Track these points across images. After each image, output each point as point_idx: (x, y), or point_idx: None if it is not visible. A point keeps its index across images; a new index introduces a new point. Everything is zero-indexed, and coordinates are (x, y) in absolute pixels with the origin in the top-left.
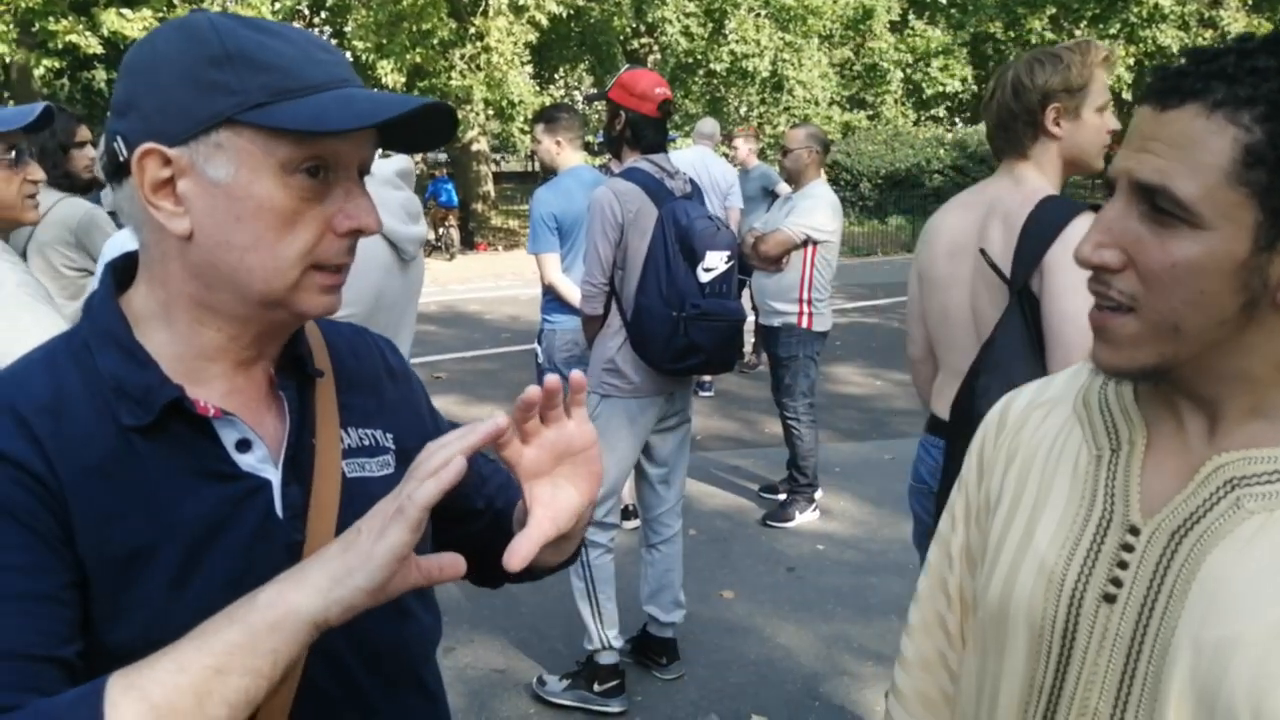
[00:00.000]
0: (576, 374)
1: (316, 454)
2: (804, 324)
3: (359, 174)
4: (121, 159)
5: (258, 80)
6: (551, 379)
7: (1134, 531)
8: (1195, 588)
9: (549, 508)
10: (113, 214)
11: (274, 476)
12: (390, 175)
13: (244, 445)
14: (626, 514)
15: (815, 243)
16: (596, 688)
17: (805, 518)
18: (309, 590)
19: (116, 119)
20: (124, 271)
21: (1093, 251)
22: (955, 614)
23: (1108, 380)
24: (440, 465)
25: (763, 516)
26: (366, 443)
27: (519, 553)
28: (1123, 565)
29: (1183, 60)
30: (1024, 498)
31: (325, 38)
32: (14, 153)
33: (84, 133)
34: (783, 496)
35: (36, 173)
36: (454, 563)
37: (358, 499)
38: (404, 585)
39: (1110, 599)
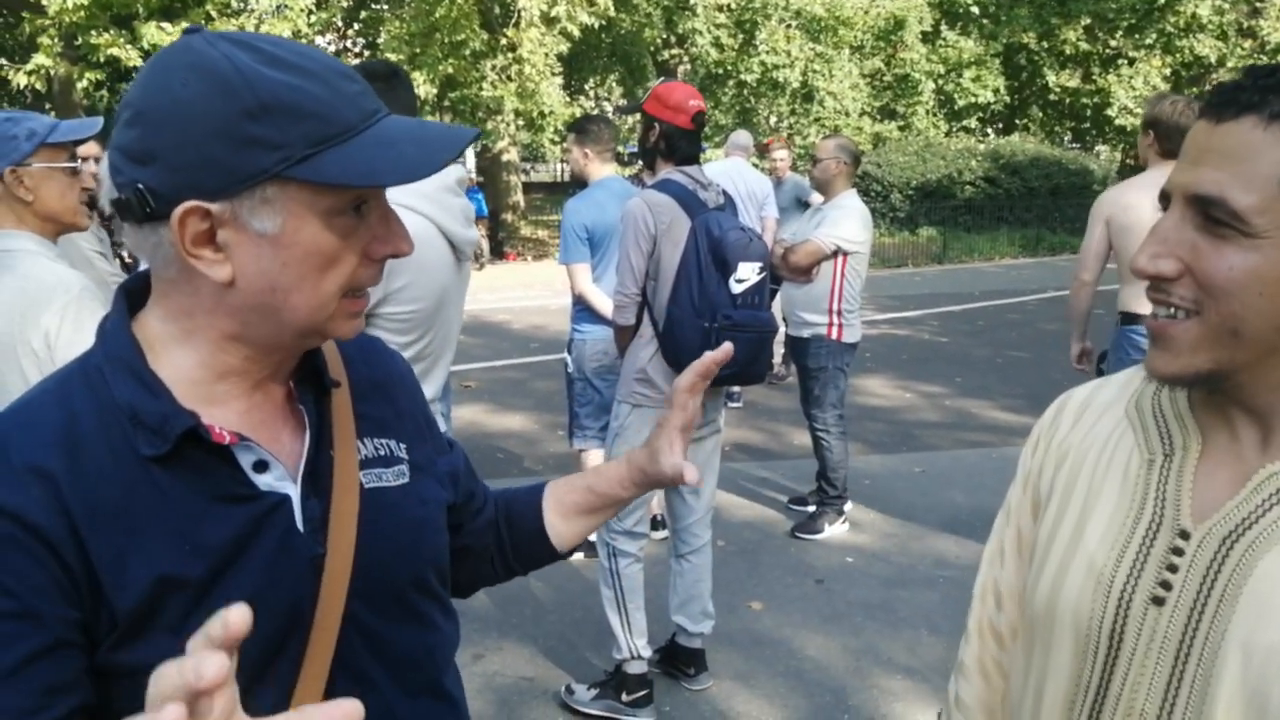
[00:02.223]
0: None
1: (335, 466)
2: (833, 335)
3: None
4: (148, 209)
5: (298, 131)
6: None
7: (1184, 536)
8: (1246, 593)
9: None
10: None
11: (293, 491)
12: (451, 183)
13: (261, 466)
14: (655, 524)
15: (845, 254)
16: (625, 698)
17: (834, 530)
18: None
19: (134, 166)
20: (136, 294)
21: (1149, 262)
22: (1007, 614)
23: (1161, 387)
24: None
25: (791, 528)
26: (382, 453)
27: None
28: (1172, 569)
29: (1239, 76)
30: (1074, 498)
31: (358, 49)
32: (77, 161)
33: (92, 147)
34: (811, 508)
35: (90, 181)
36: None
37: (376, 509)
38: None
39: (1159, 601)
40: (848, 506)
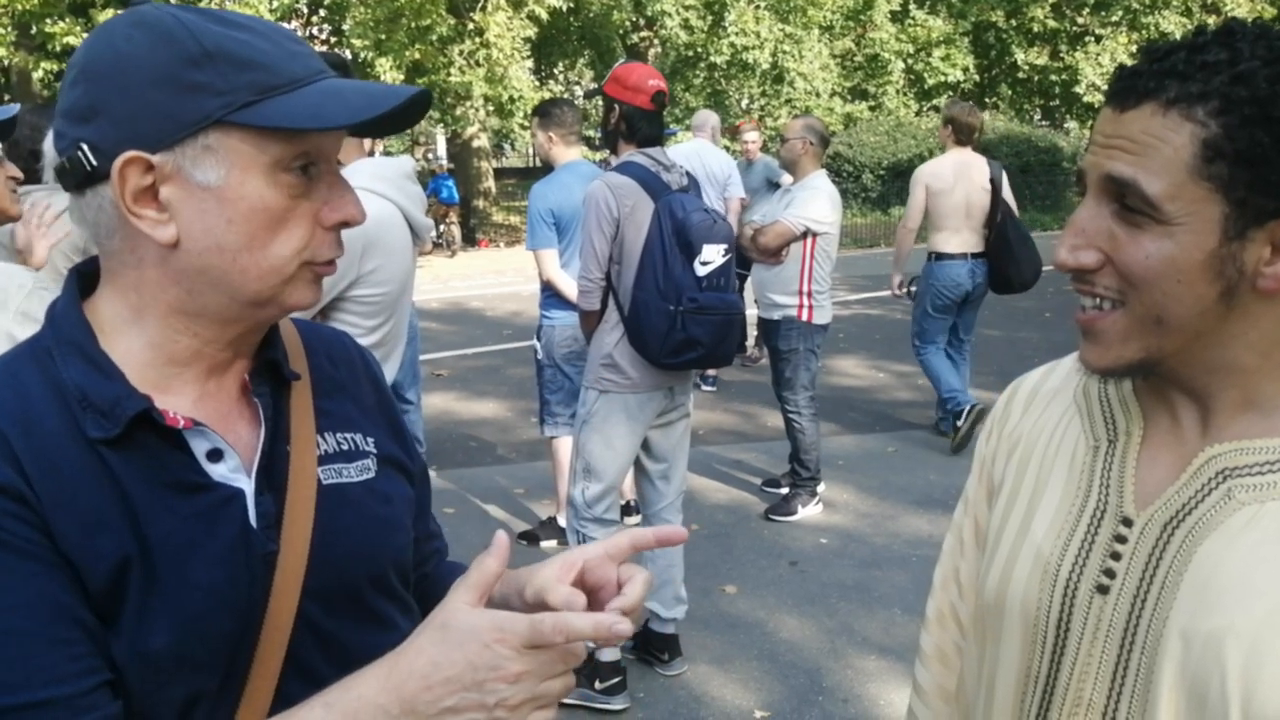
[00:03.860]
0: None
1: (291, 461)
2: (804, 316)
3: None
4: (89, 168)
5: (243, 78)
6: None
7: (1127, 523)
8: (1187, 579)
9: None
10: None
11: (247, 486)
12: (409, 170)
13: (215, 455)
14: (627, 510)
15: (814, 235)
16: (598, 685)
17: (808, 511)
18: None
19: (76, 125)
20: (90, 277)
21: (1070, 254)
22: (967, 603)
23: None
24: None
25: (765, 510)
26: (345, 447)
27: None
28: (1116, 556)
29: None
30: (1023, 487)
31: (324, 35)
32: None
33: None
34: (785, 490)
35: (14, 170)
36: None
37: (335, 506)
38: None
39: (1104, 590)
40: (821, 488)
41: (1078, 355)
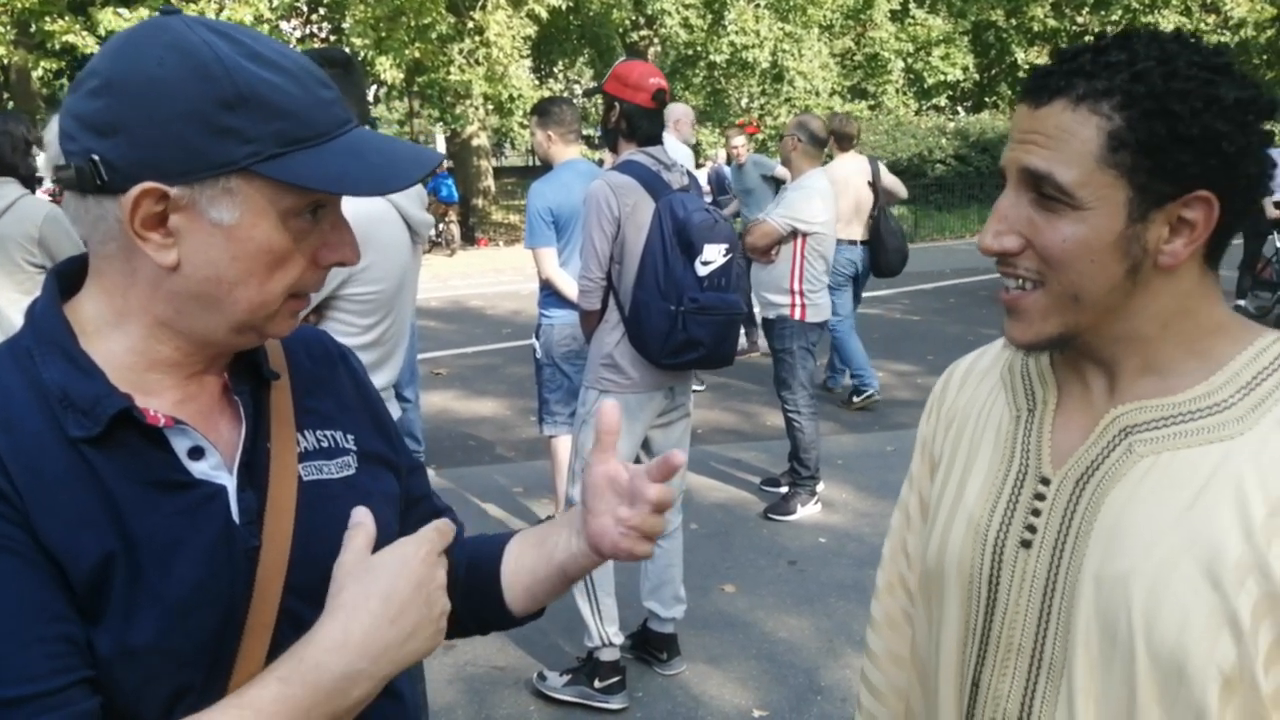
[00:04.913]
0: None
1: (272, 458)
2: (796, 315)
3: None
4: (99, 181)
5: (271, 127)
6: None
7: (1045, 482)
8: (1097, 528)
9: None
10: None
11: (229, 483)
12: None
13: (197, 453)
14: None
15: (804, 234)
16: (597, 684)
17: (807, 510)
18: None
19: (93, 136)
20: (69, 277)
21: (994, 240)
22: (915, 572)
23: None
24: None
25: (764, 509)
26: (325, 444)
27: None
28: (1036, 513)
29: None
30: (958, 459)
31: (324, 34)
32: None
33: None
34: (784, 489)
35: None
36: None
37: (315, 502)
38: None
39: (1027, 544)
40: (820, 487)
41: (1004, 334)
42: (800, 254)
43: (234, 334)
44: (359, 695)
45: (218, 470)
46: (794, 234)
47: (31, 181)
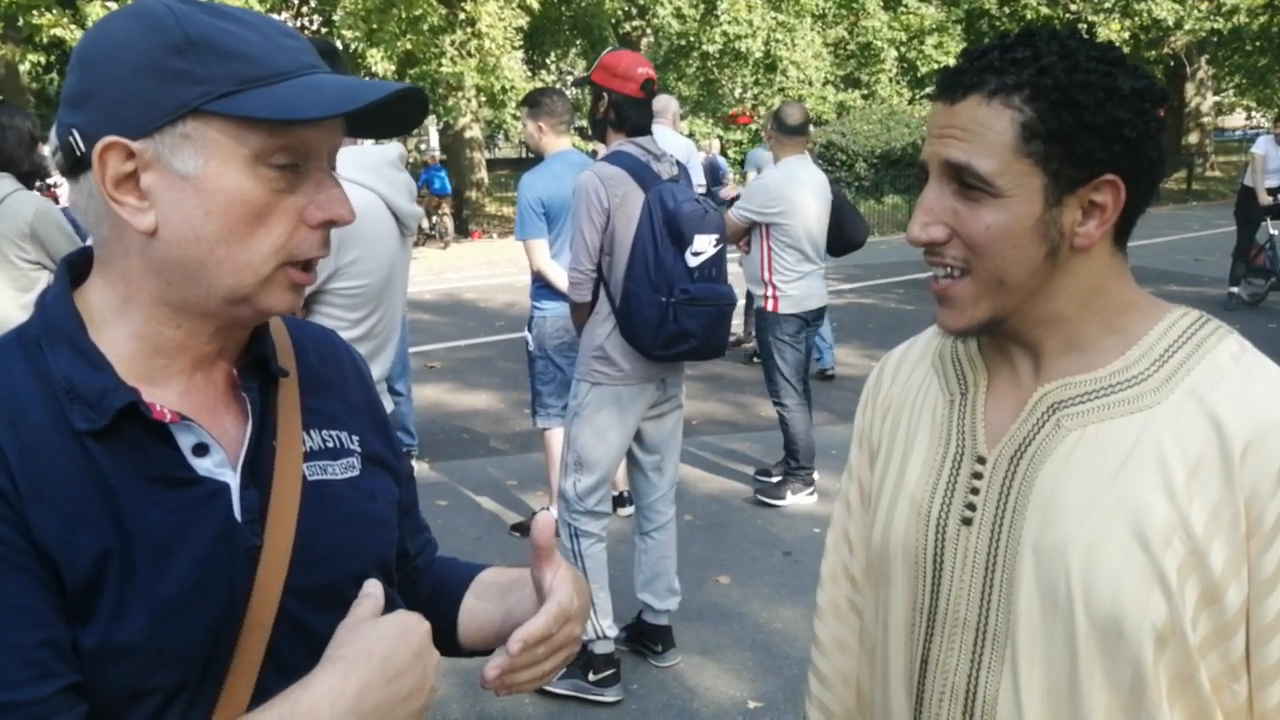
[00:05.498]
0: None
1: (276, 457)
2: (769, 306)
3: (329, 163)
4: (79, 153)
5: (224, 68)
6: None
7: (981, 461)
8: (1033, 501)
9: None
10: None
11: (232, 480)
12: (394, 158)
13: (201, 449)
14: (620, 501)
15: (765, 225)
16: (592, 677)
17: (798, 498)
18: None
19: (70, 111)
20: (79, 267)
21: (921, 230)
22: (859, 559)
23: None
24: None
25: (754, 492)
26: (330, 445)
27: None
28: (975, 491)
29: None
30: (896, 445)
31: (315, 26)
32: None
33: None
34: (777, 479)
35: None
36: None
37: (319, 503)
38: None
39: (968, 522)
40: (815, 477)
41: (935, 322)
42: (766, 245)
43: (227, 304)
44: None
45: (221, 467)
46: (752, 226)
47: (34, 178)
